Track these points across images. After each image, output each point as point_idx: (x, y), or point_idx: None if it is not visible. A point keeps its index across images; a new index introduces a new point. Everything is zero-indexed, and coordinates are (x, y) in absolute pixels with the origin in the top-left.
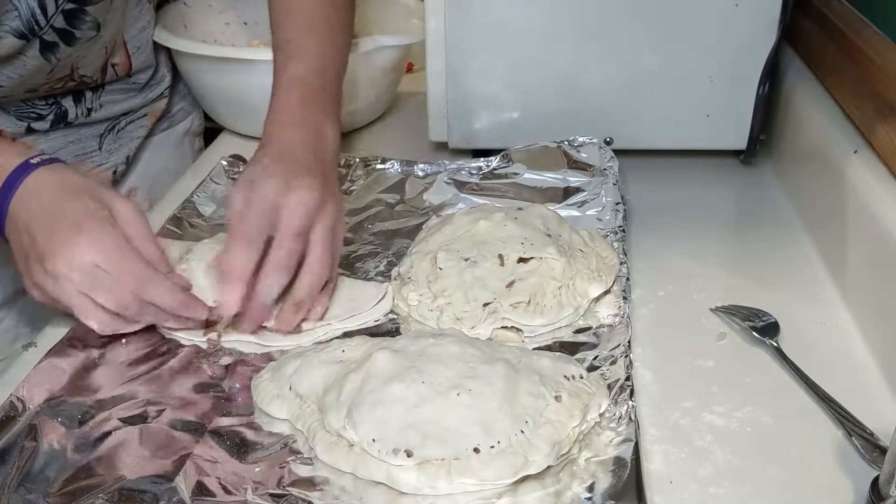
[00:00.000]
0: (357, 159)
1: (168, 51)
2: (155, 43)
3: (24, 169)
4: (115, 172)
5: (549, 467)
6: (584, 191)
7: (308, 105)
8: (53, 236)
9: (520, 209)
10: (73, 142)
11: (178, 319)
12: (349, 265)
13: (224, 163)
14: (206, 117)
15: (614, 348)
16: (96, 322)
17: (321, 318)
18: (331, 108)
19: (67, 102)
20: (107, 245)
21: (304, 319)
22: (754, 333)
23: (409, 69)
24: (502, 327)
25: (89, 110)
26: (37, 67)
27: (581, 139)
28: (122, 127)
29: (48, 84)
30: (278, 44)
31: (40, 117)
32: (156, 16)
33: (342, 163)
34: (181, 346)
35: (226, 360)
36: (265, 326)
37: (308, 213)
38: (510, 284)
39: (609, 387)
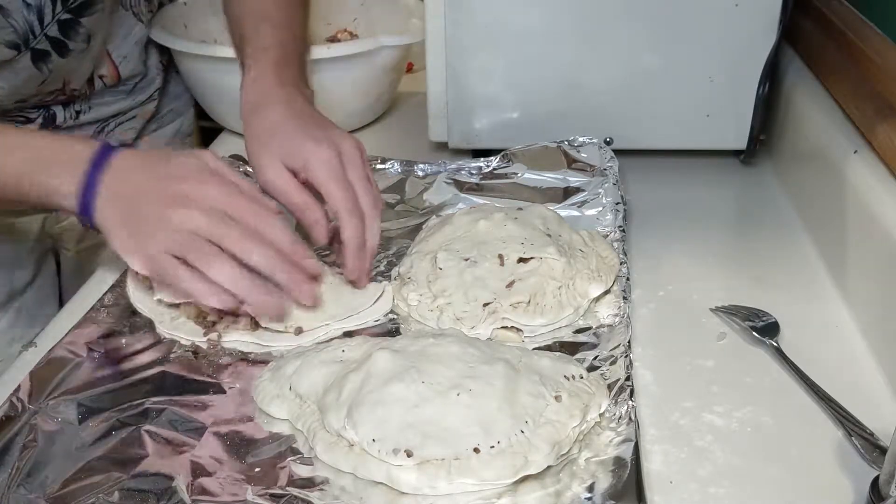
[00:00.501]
0: None
1: (158, 54)
2: (145, 48)
3: (108, 149)
4: None
5: (549, 467)
6: (584, 191)
7: (286, 63)
8: (163, 196)
9: (520, 209)
10: None
11: (289, 273)
12: None
13: None
14: (206, 117)
15: (614, 348)
16: (219, 271)
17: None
18: (302, 70)
19: (56, 106)
20: (215, 190)
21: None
22: (754, 333)
23: (409, 69)
24: (502, 327)
25: (78, 113)
26: (28, 77)
27: (581, 139)
28: (110, 129)
29: (39, 96)
30: (246, 9)
31: (28, 121)
32: (154, 16)
33: None
34: (181, 345)
35: (226, 360)
36: (265, 326)
37: (363, 159)
38: (510, 284)
39: (609, 387)
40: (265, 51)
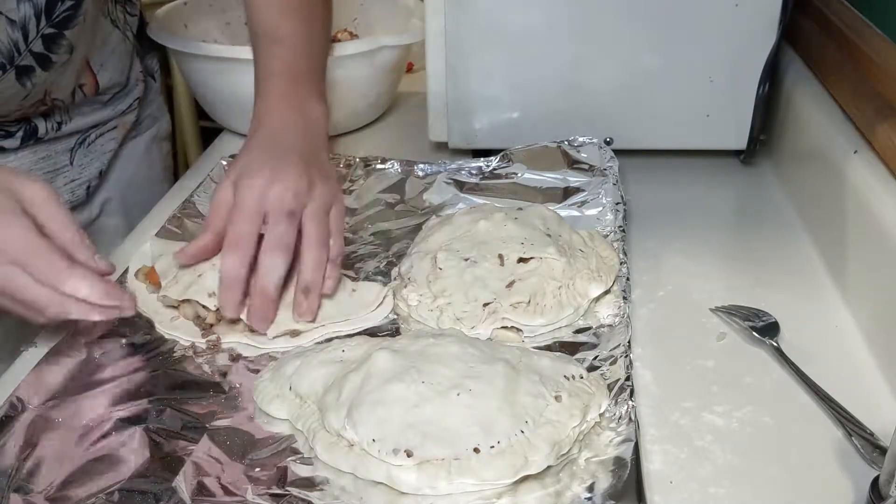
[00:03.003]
0: (357, 159)
1: (140, 63)
2: (128, 58)
3: None
4: (88, 187)
5: (549, 467)
6: (584, 191)
7: (295, 87)
8: None
9: (520, 209)
10: (44, 158)
11: (104, 311)
12: (349, 266)
13: (224, 163)
14: (206, 117)
15: (614, 348)
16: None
17: (333, 292)
18: (316, 88)
19: (37, 119)
20: (16, 238)
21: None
22: (754, 333)
23: (409, 69)
24: (502, 327)
25: (59, 124)
26: (11, 94)
27: (581, 139)
28: (92, 140)
29: (21, 110)
30: (259, 28)
31: (9, 135)
32: (153, 17)
33: (342, 163)
34: (181, 345)
35: (225, 361)
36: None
37: (296, 196)
38: (510, 284)
39: (609, 387)
40: (274, 76)
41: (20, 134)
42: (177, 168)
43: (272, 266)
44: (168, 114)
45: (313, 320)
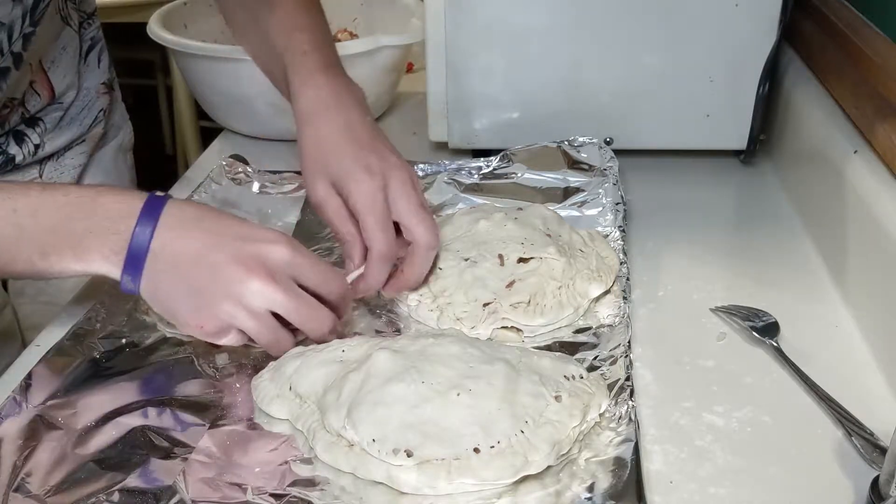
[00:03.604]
0: None
1: (108, 72)
2: (75, 58)
3: (156, 201)
4: None
5: (549, 467)
6: (584, 191)
7: (329, 67)
8: (231, 256)
9: (520, 209)
10: (11, 171)
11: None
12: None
13: (224, 163)
14: (206, 117)
15: (614, 348)
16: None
17: None
18: (342, 70)
19: (12, 148)
20: (287, 249)
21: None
22: (754, 333)
23: (409, 69)
24: (502, 327)
25: (37, 147)
26: None
27: (581, 139)
28: (61, 154)
29: None
30: (276, 27)
31: None
32: (154, 15)
33: None
34: (182, 344)
35: (225, 360)
36: None
37: (414, 185)
38: (510, 284)
39: (609, 387)
40: (306, 55)
41: None
42: (177, 168)
43: (430, 261)
44: (130, 121)
45: None
